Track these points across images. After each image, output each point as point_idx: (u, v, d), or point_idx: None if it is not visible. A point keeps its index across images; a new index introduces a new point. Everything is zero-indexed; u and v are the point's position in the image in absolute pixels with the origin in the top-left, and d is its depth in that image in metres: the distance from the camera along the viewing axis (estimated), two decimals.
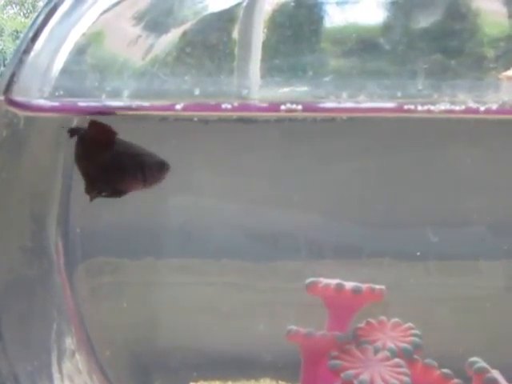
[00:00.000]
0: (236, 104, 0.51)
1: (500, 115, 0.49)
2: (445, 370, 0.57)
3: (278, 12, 0.61)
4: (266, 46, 0.60)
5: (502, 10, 0.58)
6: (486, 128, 0.55)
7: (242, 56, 0.59)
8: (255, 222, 0.62)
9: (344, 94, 0.51)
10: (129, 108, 0.56)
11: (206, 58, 0.59)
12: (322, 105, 0.51)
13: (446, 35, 0.56)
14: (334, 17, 0.59)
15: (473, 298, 0.61)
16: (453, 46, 0.56)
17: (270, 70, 0.59)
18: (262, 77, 0.59)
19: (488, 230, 0.62)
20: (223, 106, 0.51)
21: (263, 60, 0.59)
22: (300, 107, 0.49)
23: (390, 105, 0.50)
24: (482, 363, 0.57)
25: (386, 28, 0.57)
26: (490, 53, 0.56)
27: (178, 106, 0.52)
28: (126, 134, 0.63)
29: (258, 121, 0.56)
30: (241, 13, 0.62)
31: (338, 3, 0.60)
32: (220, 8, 0.63)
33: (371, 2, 0.60)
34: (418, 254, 0.62)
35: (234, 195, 0.62)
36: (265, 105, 0.51)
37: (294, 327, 0.57)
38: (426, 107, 0.49)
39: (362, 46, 0.57)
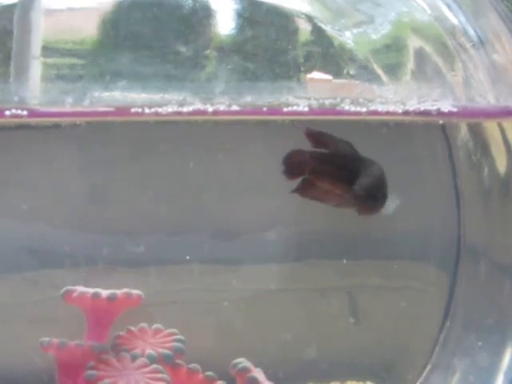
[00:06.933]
0: None
1: (235, 116, 0.50)
2: (208, 373, 0.56)
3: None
4: (46, 50, 0.58)
5: (307, 16, 0.59)
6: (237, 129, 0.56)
7: (20, 60, 0.57)
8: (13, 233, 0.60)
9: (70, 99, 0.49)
10: None
11: None
12: (47, 110, 0.50)
13: (247, 41, 0.57)
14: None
15: (236, 300, 0.61)
16: (255, 51, 0.56)
17: (52, 75, 0.57)
18: (43, 82, 0.57)
19: (253, 234, 0.62)
20: None
21: (45, 65, 0.57)
22: (25, 113, 0.48)
23: (111, 109, 0.49)
24: (245, 363, 0.57)
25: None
26: (295, 57, 0.57)
27: None
28: None
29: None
30: (16, 15, 0.59)
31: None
32: None
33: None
34: (188, 257, 0.61)
35: None
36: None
37: (47, 338, 0.55)
38: (153, 110, 0.48)
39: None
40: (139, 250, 0.60)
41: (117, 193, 0.60)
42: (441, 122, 0.57)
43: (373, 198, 0.56)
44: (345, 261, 0.62)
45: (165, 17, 0.55)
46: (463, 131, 0.61)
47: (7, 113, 0.48)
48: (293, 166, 0.56)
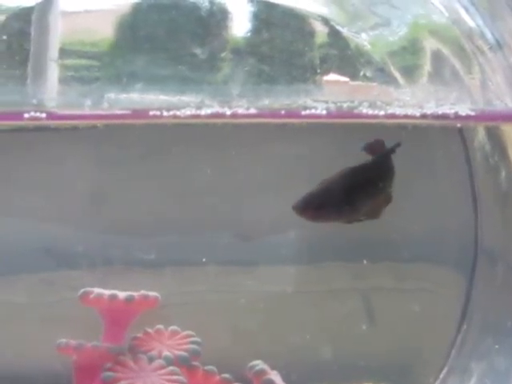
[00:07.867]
0: None
1: (253, 119, 0.50)
2: (225, 375, 0.56)
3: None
4: (63, 52, 0.58)
5: (323, 18, 0.59)
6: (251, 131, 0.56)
7: (37, 63, 0.57)
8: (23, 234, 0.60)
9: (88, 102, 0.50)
10: None
11: None
12: (65, 112, 0.50)
13: (263, 43, 0.57)
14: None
15: (252, 302, 0.61)
16: (272, 53, 0.56)
17: (69, 77, 0.57)
18: (60, 84, 0.57)
19: (268, 236, 0.62)
20: None
21: (63, 67, 0.57)
22: (44, 115, 0.48)
23: (129, 112, 0.49)
24: (261, 366, 0.57)
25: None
26: (312, 59, 0.57)
27: None
28: None
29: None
30: (34, 17, 0.60)
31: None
32: (13, 12, 0.61)
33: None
34: (204, 259, 0.61)
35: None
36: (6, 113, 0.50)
37: (64, 340, 0.55)
38: (171, 112, 0.48)
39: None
40: (155, 251, 0.60)
41: (133, 194, 0.61)
42: (458, 125, 0.57)
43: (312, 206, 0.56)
44: (365, 261, 0.62)
45: (181, 19, 0.56)
46: (480, 134, 0.61)
47: (26, 115, 0.48)
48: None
